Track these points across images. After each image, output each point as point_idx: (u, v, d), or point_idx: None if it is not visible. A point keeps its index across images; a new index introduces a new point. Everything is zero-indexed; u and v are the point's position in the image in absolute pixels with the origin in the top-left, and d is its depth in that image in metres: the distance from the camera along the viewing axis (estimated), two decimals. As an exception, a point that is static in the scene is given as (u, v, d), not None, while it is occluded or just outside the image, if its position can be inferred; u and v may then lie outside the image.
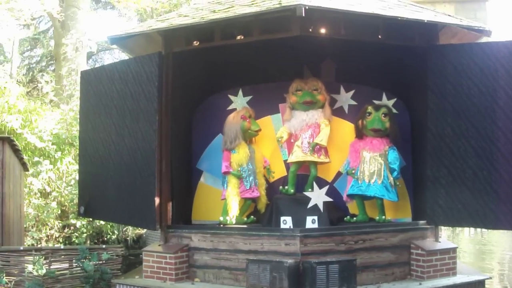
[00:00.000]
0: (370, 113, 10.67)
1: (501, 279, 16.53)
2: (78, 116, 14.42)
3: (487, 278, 10.52)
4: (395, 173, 10.49)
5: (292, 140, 11.08)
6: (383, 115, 10.64)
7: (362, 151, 10.68)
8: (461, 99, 9.44)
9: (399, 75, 10.98)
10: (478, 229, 27.94)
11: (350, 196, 10.92)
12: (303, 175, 11.24)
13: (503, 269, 19.07)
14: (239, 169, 10.79)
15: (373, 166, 10.51)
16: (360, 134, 10.82)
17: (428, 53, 9.86)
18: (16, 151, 14.12)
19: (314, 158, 10.93)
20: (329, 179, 11.45)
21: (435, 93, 9.71)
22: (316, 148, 10.88)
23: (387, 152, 10.58)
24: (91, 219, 15.70)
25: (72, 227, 16.86)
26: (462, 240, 26.71)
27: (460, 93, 9.45)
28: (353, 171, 10.68)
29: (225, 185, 10.85)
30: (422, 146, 10.17)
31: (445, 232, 10.92)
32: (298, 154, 10.88)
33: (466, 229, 28.23)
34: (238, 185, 10.76)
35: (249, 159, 10.93)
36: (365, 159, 10.61)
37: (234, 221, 10.61)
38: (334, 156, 11.22)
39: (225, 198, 10.76)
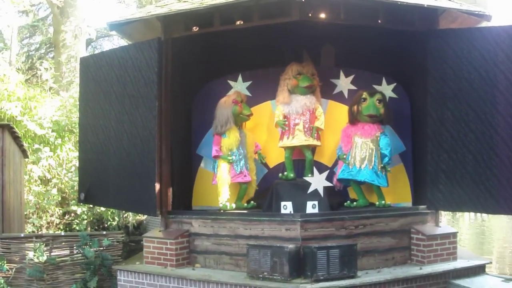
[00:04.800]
0: (365, 99, 10.63)
1: (501, 263, 16.57)
2: (77, 103, 14.42)
3: (488, 263, 10.52)
4: (386, 159, 10.45)
5: (291, 124, 11.00)
6: (377, 101, 10.61)
7: (354, 136, 10.65)
8: (461, 83, 9.42)
9: (399, 60, 10.95)
10: (478, 214, 28.01)
11: (340, 181, 10.93)
12: (300, 160, 11.26)
13: (503, 254, 19.11)
14: (229, 153, 10.78)
15: (364, 152, 10.50)
16: (353, 119, 10.77)
17: (428, 37, 9.83)
18: (16, 138, 14.10)
19: (315, 142, 10.97)
20: (329, 164, 11.44)
21: (435, 78, 9.69)
22: (316, 132, 10.92)
23: (378, 138, 10.55)
24: (91, 206, 15.71)
25: (72, 214, 16.87)
26: (462, 225, 26.75)
27: (460, 78, 9.42)
28: (345, 156, 10.66)
29: (215, 170, 10.86)
30: (422, 131, 10.16)
31: (445, 217, 10.93)
32: (301, 138, 10.86)
33: (466, 214, 28.28)
34: (229, 170, 10.75)
35: (240, 144, 10.90)
36: (356, 144, 10.59)
37: (234, 206, 10.64)
38: (335, 140, 11.21)
39: (216, 183, 10.78)
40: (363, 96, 10.66)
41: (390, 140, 10.64)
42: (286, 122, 10.96)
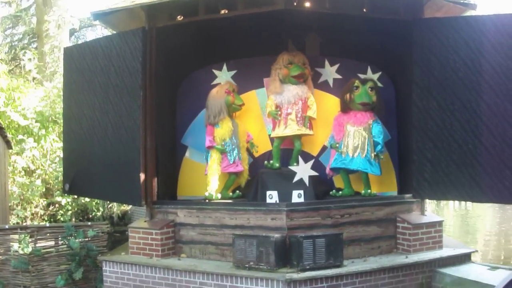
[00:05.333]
0: (357, 87, 10.63)
1: (486, 252, 16.65)
2: (61, 93, 14.34)
3: (473, 251, 10.57)
4: (379, 147, 10.46)
5: (283, 114, 10.96)
6: (369, 88, 10.62)
7: (346, 125, 10.65)
8: (447, 72, 9.42)
9: (384, 49, 10.94)
10: (463, 203, 28.16)
11: (333, 170, 10.93)
12: (287, 149, 11.25)
13: (488, 242, 19.20)
14: (222, 143, 10.77)
15: (356, 140, 10.49)
16: (345, 107, 10.76)
17: (413, 26, 9.83)
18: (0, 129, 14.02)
19: (308, 131, 10.97)
20: (314, 153, 11.46)
21: (420, 67, 9.69)
22: (308, 121, 10.93)
23: (371, 126, 10.55)
24: (76, 197, 15.64)
25: (57, 205, 16.79)
26: (446, 214, 26.88)
27: (446, 67, 9.42)
28: (337, 145, 10.65)
29: (208, 160, 10.85)
30: (408, 120, 10.18)
31: (429, 206, 10.97)
32: (294, 128, 10.85)
33: (451, 202, 28.42)
34: (220, 160, 10.76)
35: (232, 134, 10.90)
36: (349, 133, 10.58)
37: (219, 196, 10.62)
38: (319, 129, 11.25)
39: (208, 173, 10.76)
40: (355, 84, 10.67)
41: (382, 127, 10.64)
42: (279, 112, 10.93)
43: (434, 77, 9.53)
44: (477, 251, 12.32)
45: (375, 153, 10.49)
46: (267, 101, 11.20)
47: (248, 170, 11.32)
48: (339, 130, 10.74)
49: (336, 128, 10.82)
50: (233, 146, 10.86)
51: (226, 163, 10.80)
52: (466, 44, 9.22)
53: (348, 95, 10.69)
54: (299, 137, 11.04)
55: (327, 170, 11.05)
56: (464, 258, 10.01)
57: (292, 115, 10.85)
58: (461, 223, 25.08)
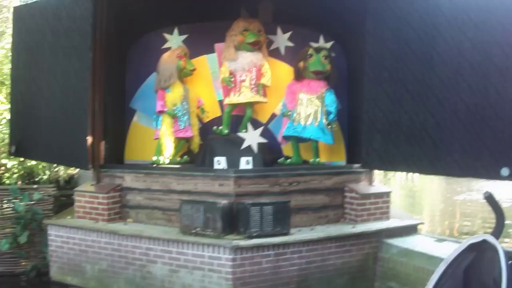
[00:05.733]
0: (311, 55, 10.61)
1: (431, 224, 16.87)
2: (9, 54, 14.08)
3: (420, 223, 10.70)
4: (332, 116, 10.47)
5: (237, 81, 10.89)
6: (323, 57, 10.61)
7: (299, 93, 10.62)
8: (400, 44, 9.38)
9: (337, 18, 10.87)
10: (409, 176, 28.45)
11: (286, 138, 10.93)
12: (237, 116, 11.20)
13: (433, 215, 19.46)
14: (173, 108, 10.67)
15: (309, 108, 10.48)
16: (299, 76, 10.73)
17: (367, -4, 9.79)
18: None
19: (261, 99, 10.94)
20: (264, 120, 11.44)
21: (374, 38, 9.65)
22: (262, 89, 10.90)
23: (324, 95, 10.53)
24: (22, 159, 15.44)
25: (2, 168, 16.54)
26: (393, 186, 27.15)
27: (399, 38, 9.39)
28: (289, 113, 10.64)
29: (158, 125, 10.76)
30: (358, 90, 10.16)
31: (377, 177, 11.07)
32: (247, 95, 10.82)
33: (398, 174, 28.71)
34: (172, 125, 10.67)
35: (183, 99, 10.83)
36: (302, 101, 10.56)
37: (167, 161, 10.54)
38: (270, 97, 11.19)
39: (158, 138, 10.71)
40: (309, 52, 10.64)
41: (335, 97, 10.62)
42: (232, 79, 10.86)
43: (387, 48, 9.50)
44: (423, 223, 12.46)
45: (327, 122, 10.47)
46: (221, 67, 11.13)
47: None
48: (292, 98, 10.72)
49: (288, 96, 10.80)
50: (184, 111, 10.80)
51: (176, 128, 10.72)
52: (420, 16, 9.18)
53: (301, 63, 10.67)
54: (251, 104, 11.01)
55: (279, 139, 11.05)
56: (411, 230, 10.13)
57: (246, 82, 10.80)
58: (407, 195, 25.38)
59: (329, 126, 10.54)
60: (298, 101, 10.60)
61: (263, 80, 10.91)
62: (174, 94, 10.70)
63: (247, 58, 10.83)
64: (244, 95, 10.83)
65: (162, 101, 10.65)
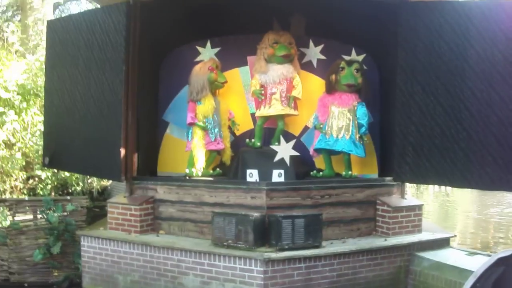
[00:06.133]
0: (343, 68, 10.61)
1: (464, 237, 16.74)
2: (44, 66, 14.23)
3: (452, 236, 10.61)
4: (363, 129, 10.45)
5: (268, 94, 10.92)
6: (355, 70, 10.60)
7: (330, 106, 10.62)
8: (432, 57, 9.38)
9: (369, 31, 10.87)
10: (443, 187, 28.24)
11: (317, 151, 10.91)
12: (270, 128, 11.23)
13: (466, 227, 19.30)
14: (204, 120, 10.71)
15: (341, 121, 10.48)
16: (330, 88, 10.73)
17: (399, 9, 9.77)
18: (-20, 101, 13.94)
19: (292, 111, 10.92)
20: (296, 133, 11.44)
21: (406, 50, 9.65)
22: (293, 101, 10.89)
23: (355, 108, 10.52)
24: (56, 171, 15.60)
25: (36, 179, 16.74)
26: (426, 198, 26.98)
27: (431, 51, 9.39)
28: (321, 126, 10.64)
29: (189, 137, 10.79)
30: (391, 103, 10.16)
31: (409, 189, 11.02)
32: (278, 107, 10.81)
33: (431, 186, 28.51)
34: (204, 137, 10.69)
35: (214, 111, 10.85)
36: (333, 114, 10.56)
37: (200, 174, 10.57)
38: (302, 110, 11.20)
39: (189, 150, 10.73)
40: (341, 65, 10.64)
41: (367, 110, 10.61)
42: (263, 91, 10.89)
43: (419, 61, 9.50)
44: (455, 236, 12.37)
45: (359, 135, 10.46)
46: (252, 80, 11.17)
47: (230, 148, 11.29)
48: (324, 111, 10.72)
49: (320, 109, 10.81)
50: (215, 124, 10.82)
51: (208, 140, 10.73)
52: (452, 29, 9.18)
53: (333, 76, 10.66)
54: (282, 117, 11.01)
55: (311, 151, 11.04)
56: (443, 243, 10.05)
57: (277, 94, 10.80)
58: (440, 208, 25.18)
59: (361, 139, 10.51)
60: (330, 114, 10.60)
61: (294, 93, 10.90)
62: (205, 107, 10.72)
63: (278, 70, 10.84)
64: (275, 108, 10.84)
65: (192, 113, 10.67)
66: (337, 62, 10.73)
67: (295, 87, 10.92)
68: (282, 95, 10.80)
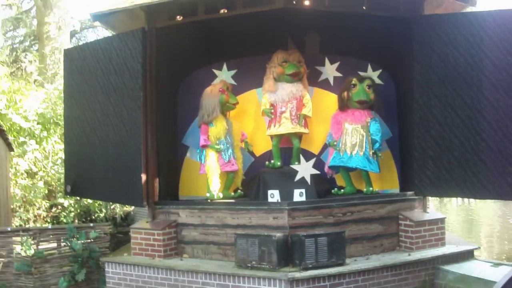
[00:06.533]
0: (355, 85, 10.62)
1: (489, 248, 16.63)
2: (62, 95, 14.34)
3: (476, 248, 10.53)
4: (377, 145, 10.44)
5: (278, 112, 10.97)
6: (367, 86, 10.61)
7: (344, 123, 10.63)
8: (447, 69, 9.40)
9: (384, 46, 10.91)
10: (466, 199, 28.10)
11: (332, 168, 10.91)
12: (288, 148, 11.25)
13: (491, 238, 19.18)
14: (217, 142, 10.74)
15: (355, 138, 10.47)
16: (343, 105, 10.74)
17: (413, 23, 9.80)
18: (1, 132, 14.02)
19: (302, 129, 10.94)
20: (316, 151, 11.45)
21: (421, 64, 9.67)
22: (303, 119, 10.90)
23: (369, 124, 10.53)
24: (78, 198, 15.66)
25: (59, 207, 16.81)
26: (449, 210, 26.85)
27: (446, 63, 9.40)
28: (335, 143, 10.64)
29: (203, 159, 10.82)
30: (409, 117, 10.16)
31: (432, 202, 10.97)
32: (288, 126, 10.85)
33: (454, 199, 28.38)
34: (217, 159, 10.72)
35: (226, 132, 10.90)
36: (347, 131, 10.57)
37: (221, 196, 10.60)
38: (321, 128, 11.22)
39: (204, 173, 10.75)
40: (353, 82, 10.65)
41: (380, 125, 10.60)
42: (272, 110, 10.93)
43: (435, 73, 9.51)
44: (479, 247, 12.29)
45: (373, 151, 10.46)
46: (262, 99, 11.22)
47: (248, 169, 11.40)
48: (337, 128, 10.72)
49: (334, 126, 10.81)
50: (228, 145, 10.87)
51: (222, 162, 10.77)
52: (466, 40, 9.19)
53: (345, 93, 10.68)
54: (296, 135, 11.06)
55: (326, 169, 11.02)
56: (467, 255, 9.98)
57: (286, 113, 10.86)
58: (464, 219, 25.05)
59: (375, 155, 10.51)
60: (343, 131, 10.61)
61: (304, 111, 10.93)
62: (218, 128, 10.77)
63: (287, 89, 10.90)
64: (285, 126, 10.87)
65: (205, 136, 10.70)
66: (349, 79, 10.76)
67: (305, 105, 10.97)
68: (292, 114, 10.85)
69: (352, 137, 10.50)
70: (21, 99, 18.36)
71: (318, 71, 11.58)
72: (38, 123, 17.67)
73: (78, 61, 11.48)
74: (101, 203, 16.30)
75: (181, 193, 11.52)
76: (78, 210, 16.50)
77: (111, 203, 16.05)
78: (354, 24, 10.52)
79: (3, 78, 18.79)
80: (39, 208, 16.93)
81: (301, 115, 10.88)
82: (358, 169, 10.51)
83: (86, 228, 11.52)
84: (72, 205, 16.30)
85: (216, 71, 11.66)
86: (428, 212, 10.20)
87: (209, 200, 10.46)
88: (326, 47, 11.79)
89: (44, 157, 17.60)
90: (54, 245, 11.39)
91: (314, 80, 11.53)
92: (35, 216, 16.79)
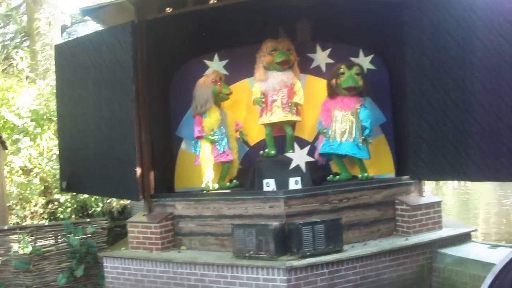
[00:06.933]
0: (343, 72, 10.56)
1: (487, 230, 16.67)
2: (55, 91, 14.30)
3: (473, 231, 10.55)
4: (367, 131, 10.39)
5: (269, 101, 10.93)
6: (355, 73, 10.56)
7: (333, 110, 10.58)
8: (439, 52, 9.36)
9: (375, 31, 10.87)
10: (462, 181, 28.17)
11: (322, 155, 10.89)
12: (281, 136, 11.19)
13: (488, 220, 19.23)
14: (211, 133, 10.71)
15: (344, 125, 10.43)
16: (332, 93, 10.69)
17: (404, 7, 9.75)
18: (-6, 131, 14.02)
19: (294, 117, 10.91)
20: (310, 138, 11.39)
21: (413, 48, 9.65)
22: (295, 107, 10.87)
23: (358, 110, 10.48)
24: (75, 193, 15.63)
25: (56, 203, 16.77)
26: (446, 193, 26.89)
27: (438, 47, 9.37)
28: (325, 130, 10.60)
29: (197, 151, 10.79)
30: (402, 102, 10.15)
31: (428, 185, 10.99)
32: (279, 114, 10.79)
33: (450, 181, 28.44)
34: (212, 150, 10.69)
35: (221, 123, 10.87)
36: (336, 118, 10.52)
37: (216, 187, 10.60)
38: (314, 115, 11.15)
39: (199, 164, 10.72)
40: (341, 69, 10.60)
41: (370, 112, 10.58)
42: (263, 99, 10.88)
43: (427, 57, 9.49)
44: (476, 230, 12.32)
45: (363, 137, 10.43)
46: (253, 88, 11.16)
47: (243, 159, 11.38)
48: (327, 115, 10.68)
49: (323, 114, 10.76)
50: (222, 136, 10.82)
51: (216, 152, 10.73)
52: (457, 23, 9.15)
53: (334, 81, 10.63)
54: (288, 123, 11.00)
55: (316, 156, 10.96)
56: (464, 238, 10.01)
57: (278, 101, 10.79)
58: (460, 202, 25.10)
59: (365, 142, 10.49)
60: (333, 118, 10.57)
61: (296, 99, 10.88)
62: (211, 119, 10.73)
63: (277, 77, 10.84)
64: (276, 115, 10.82)
65: (199, 127, 10.68)
66: (337, 67, 10.72)
67: (296, 93, 10.91)
68: (283, 102, 10.79)
69: (341, 124, 10.46)
70: (13, 96, 18.29)
71: (310, 58, 11.53)
72: (31, 120, 17.58)
73: (69, 56, 11.46)
74: (97, 197, 16.26)
75: (177, 185, 11.47)
76: (75, 205, 16.45)
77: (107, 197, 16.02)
78: (344, 10, 10.46)
79: (-5, 76, 18.74)
80: (35, 205, 16.88)
81: (293, 103, 10.82)
82: (348, 156, 10.50)
83: (83, 223, 11.57)
84: (69, 200, 16.26)
85: (207, 62, 11.60)
86: (424, 196, 10.21)
87: (204, 192, 10.44)
88: (317, 33, 11.77)
89: (38, 153, 17.53)
90: (52, 241, 11.43)
91: (306, 67, 11.47)
92: (31, 213, 16.75)
